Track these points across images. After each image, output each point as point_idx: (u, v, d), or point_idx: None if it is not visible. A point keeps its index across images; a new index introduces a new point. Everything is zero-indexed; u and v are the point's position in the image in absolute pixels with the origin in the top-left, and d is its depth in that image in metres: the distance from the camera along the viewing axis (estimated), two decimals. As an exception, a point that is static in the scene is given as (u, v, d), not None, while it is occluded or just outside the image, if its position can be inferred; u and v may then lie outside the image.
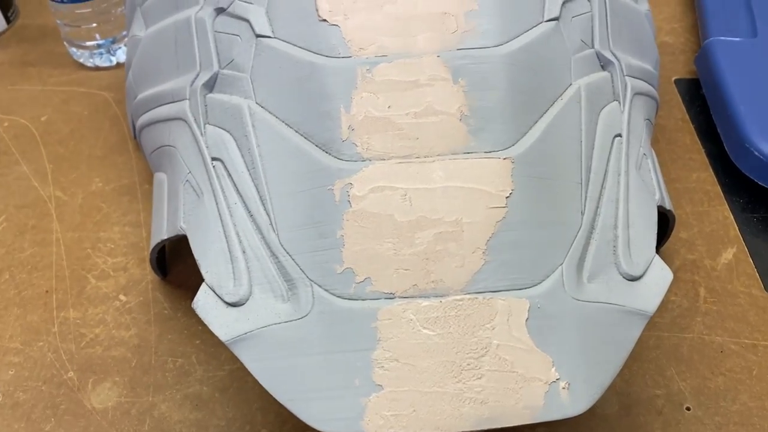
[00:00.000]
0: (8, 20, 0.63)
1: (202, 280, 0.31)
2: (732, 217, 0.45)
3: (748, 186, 0.46)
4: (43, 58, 0.60)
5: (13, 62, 0.59)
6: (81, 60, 0.58)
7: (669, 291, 0.41)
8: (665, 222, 0.39)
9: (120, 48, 0.58)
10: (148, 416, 0.36)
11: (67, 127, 0.53)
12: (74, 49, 0.58)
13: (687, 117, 0.53)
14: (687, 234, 0.44)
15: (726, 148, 0.48)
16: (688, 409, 0.36)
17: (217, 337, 0.39)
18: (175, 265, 0.43)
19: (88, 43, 0.57)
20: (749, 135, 0.46)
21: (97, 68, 0.58)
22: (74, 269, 0.43)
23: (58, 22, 0.57)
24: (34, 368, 0.39)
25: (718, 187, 0.47)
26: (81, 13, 0.55)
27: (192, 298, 0.42)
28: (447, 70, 0.32)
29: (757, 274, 0.42)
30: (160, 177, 0.40)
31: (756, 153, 0.45)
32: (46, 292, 0.42)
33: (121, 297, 0.42)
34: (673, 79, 0.56)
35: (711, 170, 0.48)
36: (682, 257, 0.43)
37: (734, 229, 0.45)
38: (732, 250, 0.43)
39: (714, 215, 0.46)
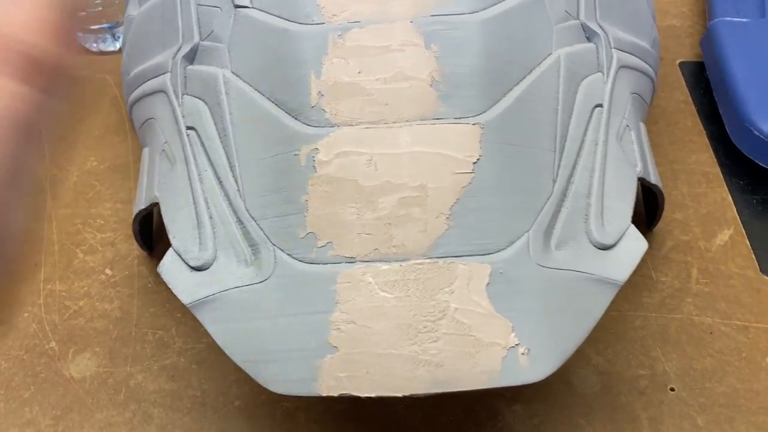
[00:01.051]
0: (18, 7, 0.64)
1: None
2: (730, 198, 0.44)
3: (749, 167, 0.45)
4: (49, 43, 0.61)
5: (20, 47, 0.60)
6: (86, 45, 0.59)
7: (659, 271, 0.40)
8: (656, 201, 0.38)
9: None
10: (123, 386, 0.37)
11: (67, 108, 0.54)
12: (80, 33, 0.59)
13: (690, 99, 0.51)
14: (682, 215, 0.43)
15: (727, 129, 0.47)
16: (672, 389, 0.35)
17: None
18: (161, 239, 0.43)
19: (93, 27, 0.58)
20: (750, 115, 0.44)
21: (102, 53, 0.59)
22: (64, 244, 0.44)
23: (63, 7, 0.58)
24: (18, 337, 0.39)
25: (718, 168, 0.46)
26: (84, -3, 0.56)
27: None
28: (419, 36, 0.31)
29: (754, 256, 0.41)
30: (144, 152, 0.40)
31: (756, 133, 0.44)
32: (35, 265, 0.43)
33: (107, 271, 0.42)
34: (678, 62, 0.54)
35: (711, 152, 0.47)
36: (676, 238, 0.42)
37: (732, 211, 0.43)
38: (728, 232, 0.42)
39: (712, 197, 0.44)
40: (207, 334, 0.38)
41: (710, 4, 0.54)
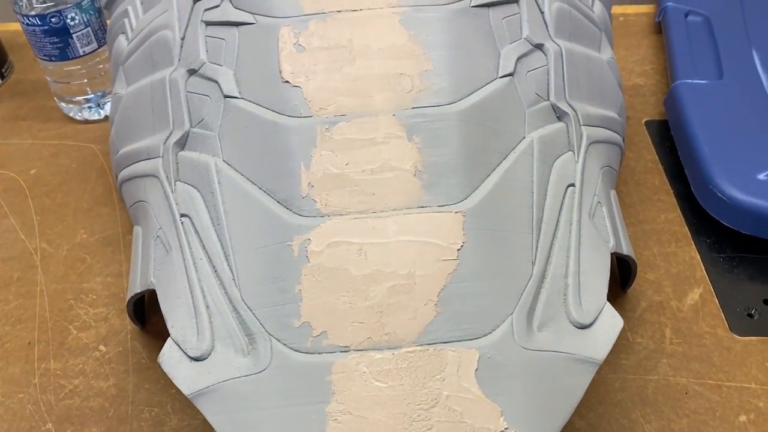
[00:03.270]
0: (2, 76, 0.65)
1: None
2: (699, 257, 0.46)
3: (715, 226, 0.47)
4: (34, 112, 0.62)
5: (5, 117, 0.62)
6: (71, 114, 0.60)
7: (635, 332, 0.42)
8: (629, 269, 0.40)
9: (108, 102, 0.60)
10: (122, 466, 0.37)
11: (55, 179, 0.55)
12: (63, 104, 0.60)
13: (657, 158, 0.54)
14: (654, 275, 0.45)
15: (693, 190, 0.49)
16: (652, 451, 0.37)
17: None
18: (153, 314, 0.44)
19: (78, 98, 0.59)
20: (713, 176, 0.47)
21: (86, 121, 0.60)
22: (57, 320, 0.45)
23: (48, 78, 0.59)
24: (14, 420, 0.40)
25: (686, 227, 0.48)
26: (70, 70, 0.57)
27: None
28: (402, 128, 0.33)
29: (723, 315, 0.43)
30: (137, 231, 0.41)
31: (720, 194, 0.46)
32: (29, 343, 0.44)
33: (101, 347, 0.43)
34: (644, 120, 0.57)
35: (679, 210, 0.49)
36: (649, 298, 0.44)
37: (701, 270, 0.46)
38: (698, 291, 0.44)
39: (681, 256, 0.46)
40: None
41: (672, 66, 0.58)
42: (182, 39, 0.40)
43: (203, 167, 0.36)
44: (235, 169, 0.35)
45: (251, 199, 0.34)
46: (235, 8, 0.38)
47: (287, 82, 0.35)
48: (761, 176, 0.46)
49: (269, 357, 0.30)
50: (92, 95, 0.59)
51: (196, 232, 0.35)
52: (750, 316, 0.43)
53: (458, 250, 0.31)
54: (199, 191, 0.36)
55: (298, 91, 0.34)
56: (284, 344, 0.30)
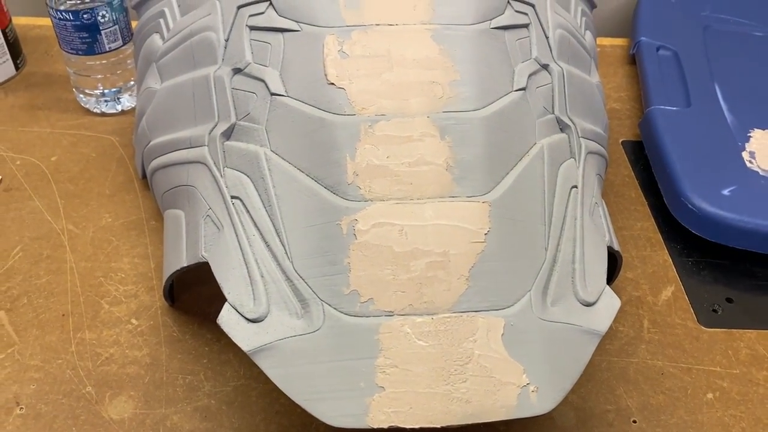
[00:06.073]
0: (17, 67, 0.68)
1: (212, 306, 0.36)
2: (670, 260, 0.53)
3: (684, 234, 0.53)
4: (50, 103, 0.65)
5: (22, 106, 0.64)
6: (87, 106, 0.63)
7: (618, 322, 0.47)
8: (615, 262, 0.46)
9: (124, 97, 0.63)
10: (161, 426, 0.41)
11: (76, 167, 0.58)
12: (82, 96, 0.63)
13: (632, 174, 0.60)
14: (632, 274, 0.51)
15: (665, 201, 0.56)
16: (634, 422, 0.42)
17: (222, 357, 0.44)
18: (181, 293, 0.48)
19: (96, 91, 0.62)
20: (684, 190, 0.53)
21: (103, 114, 0.63)
22: (88, 295, 0.48)
23: (69, 70, 0.62)
24: (54, 383, 0.42)
25: (659, 234, 0.55)
26: (92, 64, 0.60)
27: (198, 324, 0.46)
28: (435, 129, 0.38)
29: (692, 309, 0.49)
30: (175, 213, 0.45)
31: (690, 206, 0.52)
32: (63, 315, 0.46)
33: (133, 321, 0.46)
34: (621, 140, 0.64)
35: (653, 220, 0.56)
36: (629, 294, 0.50)
37: (672, 271, 0.52)
38: (671, 288, 0.50)
39: (655, 258, 0.53)
40: (233, 378, 0.43)
41: (646, 93, 0.65)
42: (226, 41, 0.44)
43: (252, 155, 0.40)
44: (282, 158, 0.39)
45: (300, 184, 0.38)
46: (280, 16, 0.42)
47: (332, 84, 0.39)
48: (725, 191, 0.53)
49: (322, 319, 0.34)
50: (111, 90, 0.62)
51: (248, 212, 0.39)
52: (714, 311, 0.49)
53: (485, 234, 0.36)
54: (248, 176, 0.40)
55: (342, 92, 0.39)
56: (335, 308, 0.34)
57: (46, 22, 0.75)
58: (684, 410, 0.43)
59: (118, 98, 0.63)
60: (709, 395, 0.44)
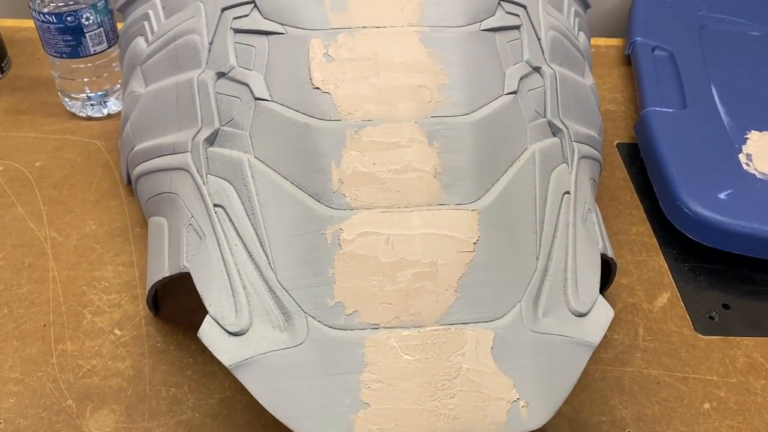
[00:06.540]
0: (2, 70, 0.67)
1: (197, 315, 0.35)
2: (666, 265, 0.52)
3: (680, 239, 0.52)
4: (35, 107, 0.63)
5: (7, 110, 0.63)
6: (73, 110, 0.62)
7: (612, 330, 0.46)
8: (609, 269, 0.45)
9: (110, 100, 0.62)
10: (143, 440, 0.40)
11: (60, 172, 0.57)
12: (67, 100, 0.62)
13: (628, 177, 0.59)
14: (627, 280, 0.50)
15: (661, 205, 0.55)
16: (628, 433, 0.41)
17: (207, 369, 0.43)
18: (166, 302, 0.47)
19: (81, 95, 0.61)
20: (680, 194, 0.52)
21: (89, 118, 0.62)
22: (71, 305, 0.46)
23: (53, 73, 0.61)
24: (34, 397, 0.41)
25: (655, 239, 0.54)
26: (77, 67, 0.59)
27: (183, 334, 0.45)
28: (423, 134, 0.37)
29: (688, 316, 0.48)
30: (158, 221, 0.44)
31: (686, 210, 0.51)
32: (44, 326, 0.45)
33: (116, 331, 0.45)
34: (616, 143, 0.63)
35: (648, 224, 0.55)
36: (624, 300, 0.49)
37: (668, 277, 0.51)
38: (666, 295, 0.49)
39: (651, 264, 0.52)
40: (217, 391, 0.42)
41: (641, 95, 0.64)
42: (210, 44, 0.43)
43: (236, 162, 0.39)
44: (267, 165, 0.38)
45: (284, 192, 0.37)
46: (265, 18, 0.41)
47: (317, 88, 0.38)
48: (722, 195, 0.52)
49: (305, 332, 0.33)
50: (97, 93, 0.61)
51: (230, 220, 0.38)
52: (711, 318, 0.48)
53: (474, 243, 0.35)
54: (231, 184, 0.38)
55: (327, 97, 0.38)
56: (319, 321, 0.33)
57: (33, 24, 0.73)
58: (680, 421, 0.42)
59: (104, 102, 0.62)
60: (706, 405, 0.43)
